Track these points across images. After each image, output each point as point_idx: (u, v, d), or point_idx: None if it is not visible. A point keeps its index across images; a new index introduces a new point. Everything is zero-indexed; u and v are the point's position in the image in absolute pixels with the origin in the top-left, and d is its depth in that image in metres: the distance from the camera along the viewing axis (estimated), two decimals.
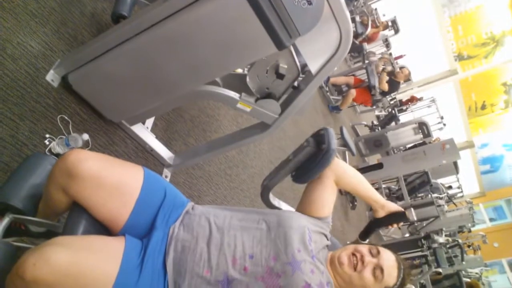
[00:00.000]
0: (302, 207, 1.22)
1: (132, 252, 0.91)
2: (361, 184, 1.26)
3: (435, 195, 6.83)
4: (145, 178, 1.01)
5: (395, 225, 1.33)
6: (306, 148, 1.22)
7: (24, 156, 1.40)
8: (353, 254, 1.07)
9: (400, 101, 8.72)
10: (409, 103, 8.76)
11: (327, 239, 1.16)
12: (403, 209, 1.30)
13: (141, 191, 0.98)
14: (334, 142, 1.19)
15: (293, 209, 1.29)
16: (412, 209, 1.27)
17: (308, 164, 1.23)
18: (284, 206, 1.54)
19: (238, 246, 0.98)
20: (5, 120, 1.40)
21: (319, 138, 1.21)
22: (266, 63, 1.65)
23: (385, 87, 5.96)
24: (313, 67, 1.58)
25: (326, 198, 1.21)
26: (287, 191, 3.24)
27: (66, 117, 1.62)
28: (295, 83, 1.72)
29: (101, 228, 0.98)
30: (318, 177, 1.22)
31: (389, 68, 6.20)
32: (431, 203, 5.46)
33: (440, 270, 4.44)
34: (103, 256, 0.86)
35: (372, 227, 1.39)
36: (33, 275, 0.74)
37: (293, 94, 1.75)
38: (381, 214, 1.29)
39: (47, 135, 1.53)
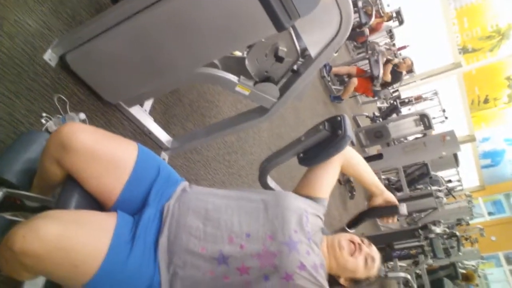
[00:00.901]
0: (302, 185, 1.24)
1: (124, 228, 0.91)
2: (366, 170, 1.31)
3: (435, 187, 6.84)
4: (139, 153, 1.01)
5: (386, 219, 1.34)
6: (322, 132, 1.23)
7: (20, 134, 1.40)
8: (352, 242, 1.12)
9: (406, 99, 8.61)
10: (415, 101, 8.69)
11: (322, 222, 1.17)
12: (397, 202, 1.31)
13: (134, 166, 0.98)
14: (351, 129, 1.21)
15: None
16: (405, 204, 1.28)
17: (319, 147, 1.25)
18: (279, 190, 1.54)
19: (235, 224, 0.98)
20: (1, 98, 1.39)
21: (335, 124, 1.23)
22: (265, 46, 1.63)
23: (388, 78, 5.92)
24: (313, 51, 1.57)
25: (329, 179, 1.24)
26: (285, 179, 3.24)
27: (63, 97, 1.62)
28: (295, 67, 1.71)
29: (94, 203, 0.99)
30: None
31: (395, 60, 6.15)
32: (429, 195, 5.48)
33: (431, 261, 4.48)
34: (94, 230, 0.86)
35: (363, 217, 1.40)
36: (22, 247, 0.74)
37: (292, 78, 1.73)
38: (378, 201, 1.32)
39: (44, 114, 1.52)
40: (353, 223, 1.41)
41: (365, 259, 1.11)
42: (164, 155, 2.12)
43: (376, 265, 1.14)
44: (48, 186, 1.08)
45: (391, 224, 1.43)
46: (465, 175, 10.83)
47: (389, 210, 1.31)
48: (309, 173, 1.27)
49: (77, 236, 0.81)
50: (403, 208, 1.28)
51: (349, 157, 1.27)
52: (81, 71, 1.65)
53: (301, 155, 1.31)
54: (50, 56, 1.59)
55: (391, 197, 1.32)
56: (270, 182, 1.46)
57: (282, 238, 0.96)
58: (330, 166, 1.24)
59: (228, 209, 1.02)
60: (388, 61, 5.85)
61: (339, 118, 1.22)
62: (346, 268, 1.09)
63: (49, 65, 1.59)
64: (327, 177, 1.24)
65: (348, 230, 1.40)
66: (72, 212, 0.91)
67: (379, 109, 8.28)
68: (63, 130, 0.92)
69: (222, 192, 1.10)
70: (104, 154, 0.94)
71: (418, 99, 8.69)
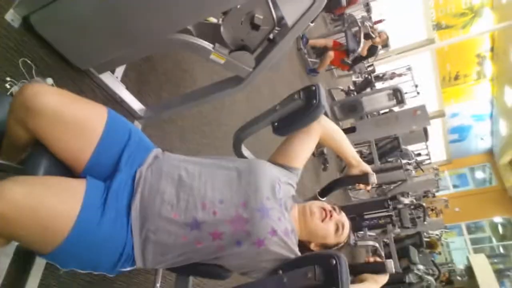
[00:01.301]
0: (278, 153, 1.25)
1: (94, 192, 0.90)
2: (345, 142, 1.33)
3: (405, 160, 7.07)
4: (109, 116, 0.98)
5: (363, 186, 1.38)
6: (297, 101, 1.23)
7: None
8: (323, 209, 1.14)
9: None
10: (390, 78, 8.80)
11: (294, 190, 1.20)
12: (371, 172, 1.35)
13: (104, 129, 0.95)
14: (325, 99, 1.21)
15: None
16: (375, 174, 1.33)
17: (293, 116, 1.25)
18: (253, 158, 1.55)
19: (208, 191, 0.99)
20: None
21: (310, 93, 1.22)
22: (241, 13, 1.60)
23: (364, 52, 5.94)
24: (289, 19, 1.55)
25: (305, 150, 1.25)
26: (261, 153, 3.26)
27: (28, 61, 1.54)
28: (271, 36, 1.68)
29: (64, 170, 0.96)
30: (306, 129, 1.24)
31: (376, 39, 6.11)
32: (399, 167, 5.67)
33: (398, 230, 4.68)
34: (63, 192, 0.84)
35: (335, 185, 1.45)
36: None
37: (268, 47, 1.71)
38: (355, 171, 1.35)
39: (8, 79, 1.45)
40: (325, 191, 1.45)
41: (336, 226, 1.14)
42: (137, 124, 2.08)
43: (346, 232, 1.17)
44: (16, 149, 1.03)
45: (362, 194, 1.49)
46: (433, 149, 11.23)
47: (359, 179, 1.35)
48: (286, 142, 1.27)
49: (45, 197, 0.80)
50: (373, 178, 1.32)
51: (328, 129, 1.28)
52: (47, 33, 1.56)
53: (276, 124, 1.31)
54: (12, 16, 1.49)
55: (367, 168, 1.35)
56: (245, 151, 1.46)
57: (255, 205, 0.98)
58: (307, 136, 1.24)
59: (202, 176, 1.02)
60: (367, 37, 5.85)
61: (314, 88, 1.22)
62: (317, 234, 1.13)
63: (11, 26, 1.49)
64: (303, 147, 1.24)
65: (320, 198, 1.44)
66: (39, 177, 0.89)
67: (354, 83, 8.35)
68: (25, 92, 0.87)
69: (195, 159, 1.10)
70: (71, 116, 0.90)
71: (393, 76, 8.82)
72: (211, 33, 1.71)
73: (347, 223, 1.18)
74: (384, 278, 1.12)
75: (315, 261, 0.91)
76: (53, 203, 0.81)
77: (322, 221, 1.12)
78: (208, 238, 0.96)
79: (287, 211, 1.07)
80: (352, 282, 1.11)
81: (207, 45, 1.66)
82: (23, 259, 1.31)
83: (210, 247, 0.97)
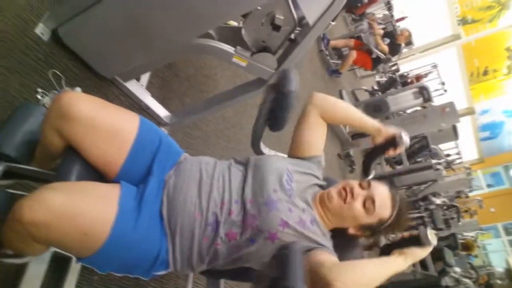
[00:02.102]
0: (290, 150, 1.21)
1: (129, 197, 0.91)
2: (349, 110, 1.19)
3: (434, 160, 6.86)
4: (140, 122, 1.00)
5: (393, 152, 1.21)
6: (269, 94, 1.19)
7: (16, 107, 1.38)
8: (344, 189, 1.05)
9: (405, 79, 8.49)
10: (416, 82, 8.58)
11: (318, 178, 1.14)
12: (399, 131, 1.18)
13: (136, 136, 0.97)
14: (293, 82, 1.14)
15: (285, 156, 1.27)
16: (404, 132, 1.17)
17: (276, 110, 1.20)
18: (274, 153, 1.52)
19: (226, 191, 0.99)
20: None
21: (277, 81, 1.17)
22: (262, 15, 1.60)
23: (384, 48, 5.82)
24: (310, 18, 1.54)
25: (313, 136, 1.17)
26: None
27: (58, 72, 1.59)
28: (292, 36, 1.67)
29: (96, 175, 0.98)
30: (303, 115, 1.18)
31: (399, 37, 5.96)
32: (429, 167, 5.49)
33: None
34: (100, 198, 0.86)
35: (370, 158, 1.34)
36: (31, 217, 0.74)
37: (290, 48, 1.71)
38: (379, 139, 1.20)
39: (39, 90, 1.50)
40: (365, 169, 1.35)
41: (363, 202, 1.02)
42: (163, 131, 2.11)
43: (381, 205, 1.02)
44: (50, 157, 1.07)
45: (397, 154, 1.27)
46: (464, 148, 10.85)
47: (387, 145, 1.19)
48: (294, 134, 1.21)
49: (83, 203, 0.81)
50: (404, 137, 1.16)
51: (325, 106, 1.16)
52: (74, 45, 1.61)
53: (269, 121, 1.27)
54: (42, 30, 1.55)
55: (390, 131, 1.18)
56: (263, 148, 1.44)
57: (261, 199, 0.96)
58: (306, 122, 1.16)
59: (220, 178, 1.02)
60: (375, 34, 5.74)
61: (279, 75, 1.17)
62: (343, 217, 1.04)
63: (41, 40, 1.55)
64: (309, 134, 1.16)
65: (365, 177, 1.32)
66: (75, 183, 0.91)
67: (378, 82, 8.21)
68: (62, 98, 0.90)
69: (214, 161, 1.10)
70: (104, 123, 0.93)
71: (419, 79, 8.59)
72: (232, 36, 1.72)
73: (378, 195, 1.03)
74: (424, 250, 1.00)
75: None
76: (91, 210, 0.82)
77: (344, 201, 1.02)
78: (225, 239, 0.96)
79: (303, 201, 1.02)
80: None
81: (229, 48, 1.67)
82: (59, 266, 1.34)
83: (228, 248, 0.97)
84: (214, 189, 0.98)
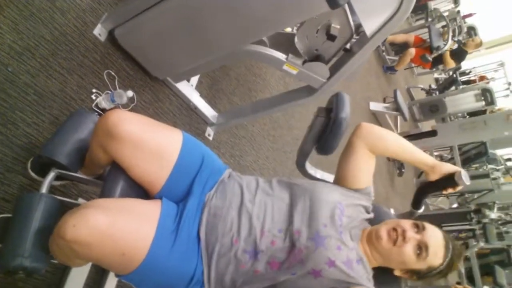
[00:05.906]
0: (339, 179, 1.14)
1: (168, 217, 0.92)
2: (401, 147, 1.11)
3: (491, 166, 6.40)
4: (183, 142, 1.00)
5: (451, 190, 1.13)
6: (318, 118, 1.16)
7: (72, 110, 1.44)
8: (394, 229, 0.98)
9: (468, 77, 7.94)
10: (478, 81, 7.98)
11: (367, 212, 1.09)
12: (458, 169, 1.10)
13: (179, 156, 0.98)
14: (345, 109, 1.09)
15: (332, 177, 1.22)
16: (463, 171, 1.08)
17: (325, 134, 1.16)
18: (320, 174, 1.46)
19: (267, 219, 0.96)
20: (55, 74, 1.43)
21: (329, 106, 1.13)
22: (317, 23, 1.53)
23: (450, 64, 5.44)
24: (368, 29, 1.45)
25: (360, 169, 1.10)
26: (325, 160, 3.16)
27: (112, 73, 1.64)
28: (347, 45, 1.60)
29: (139, 189, 1.00)
30: (350, 146, 1.12)
31: (469, 43, 5.52)
32: (486, 176, 5.13)
33: (482, 244, 4.18)
34: (140, 219, 0.87)
35: (423, 194, 1.25)
36: (74, 236, 0.76)
37: (345, 58, 1.63)
38: (433, 177, 1.12)
39: (94, 90, 1.56)
40: (415, 203, 1.26)
41: (416, 247, 0.95)
42: (210, 130, 2.12)
43: (435, 253, 0.96)
44: (98, 166, 1.12)
45: (441, 202, 1.25)
46: None
47: (444, 183, 1.11)
48: (339, 165, 1.15)
49: (125, 225, 0.83)
50: (463, 178, 1.07)
51: (372, 138, 1.09)
52: (129, 46, 1.65)
53: (316, 145, 1.23)
54: (99, 31, 1.60)
55: (445, 168, 1.11)
56: (310, 169, 1.39)
57: (309, 234, 0.92)
58: (353, 155, 1.10)
59: (262, 204, 0.99)
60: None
61: (333, 99, 1.12)
62: (390, 259, 0.99)
63: (99, 40, 1.60)
64: (358, 167, 1.10)
65: (414, 210, 1.25)
66: (118, 201, 0.93)
67: (436, 81, 7.74)
68: (109, 118, 0.92)
69: (258, 183, 1.06)
70: (149, 144, 0.94)
71: (482, 78, 7.97)
72: (285, 43, 1.67)
73: (433, 241, 0.96)
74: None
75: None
76: (131, 231, 0.84)
77: (394, 244, 0.96)
78: (265, 267, 0.93)
79: (351, 238, 0.98)
80: None
81: (280, 56, 1.62)
82: (97, 279, 1.41)
83: (267, 275, 0.94)
84: (254, 216, 0.96)
